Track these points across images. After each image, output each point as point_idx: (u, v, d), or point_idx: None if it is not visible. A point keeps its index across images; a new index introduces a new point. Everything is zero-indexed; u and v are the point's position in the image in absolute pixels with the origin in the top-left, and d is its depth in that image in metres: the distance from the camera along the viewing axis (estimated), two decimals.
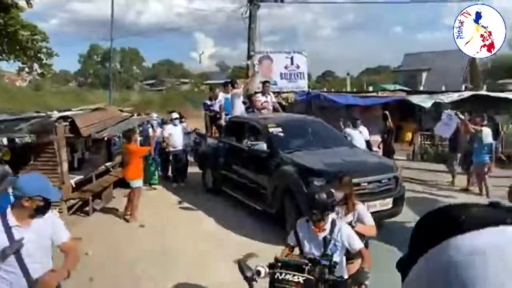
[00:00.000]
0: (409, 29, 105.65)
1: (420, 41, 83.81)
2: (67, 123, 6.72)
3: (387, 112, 10.18)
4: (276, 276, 2.76)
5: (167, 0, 68.95)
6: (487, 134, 7.86)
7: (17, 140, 5.81)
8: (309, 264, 2.79)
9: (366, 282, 2.96)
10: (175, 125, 9.30)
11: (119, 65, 47.92)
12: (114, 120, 7.85)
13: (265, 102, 9.21)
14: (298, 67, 11.40)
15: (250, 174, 7.14)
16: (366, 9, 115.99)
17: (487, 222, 0.52)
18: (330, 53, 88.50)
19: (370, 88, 22.38)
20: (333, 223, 3.18)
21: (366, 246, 3.55)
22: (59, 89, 34.81)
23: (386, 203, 6.08)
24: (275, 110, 9.44)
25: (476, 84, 33.18)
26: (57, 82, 42.81)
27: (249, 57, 11.32)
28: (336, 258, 3.03)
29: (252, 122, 7.72)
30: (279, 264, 2.84)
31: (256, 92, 10.15)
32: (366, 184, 5.97)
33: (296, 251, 3.26)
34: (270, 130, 7.13)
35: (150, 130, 9.34)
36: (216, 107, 9.61)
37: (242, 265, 2.88)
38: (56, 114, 6.73)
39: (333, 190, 3.36)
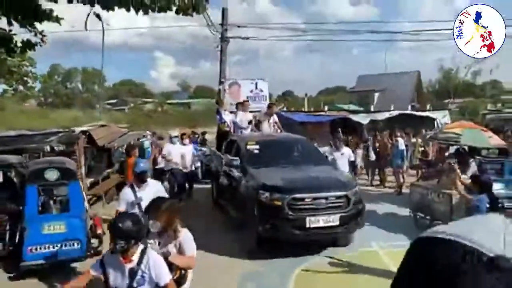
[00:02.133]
0: (365, 52, 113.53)
1: (374, 63, 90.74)
2: (85, 136, 9.06)
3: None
4: None
5: (128, 19, 70.97)
6: (401, 143, 10.99)
7: (55, 148, 8.09)
8: None
9: None
10: (173, 143, 9.93)
11: (80, 85, 49.13)
12: (117, 134, 10.22)
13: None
14: (261, 91, 14.21)
15: (230, 187, 8.05)
16: (324, 31, 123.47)
17: None
18: (289, 74, 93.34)
19: (326, 108, 25.64)
20: (143, 253, 3.05)
21: (183, 277, 3.48)
22: (21, 107, 35.77)
23: (332, 220, 6.39)
24: (278, 129, 10.05)
25: (422, 103, 37.44)
26: (15, 102, 43.41)
27: (221, 82, 14.02)
28: None
29: (238, 141, 8.65)
30: None
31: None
32: (309, 200, 6.40)
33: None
34: (248, 147, 7.96)
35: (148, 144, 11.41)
36: (227, 119, 10.52)
37: None
38: (78, 129, 9.04)
39: (150, 220, 3.31)
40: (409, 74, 38.68)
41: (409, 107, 30.06)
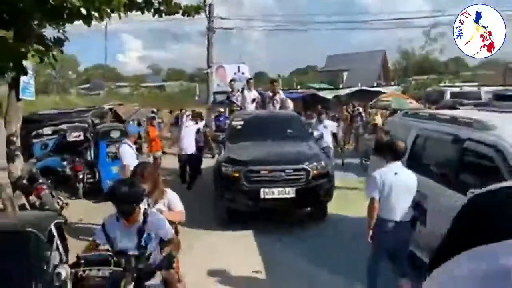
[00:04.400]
0: (335, 31, 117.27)
1: (344, 42, 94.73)
2: (111, 112, 12.02)
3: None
4: (79, 275, 2.90)
5: None
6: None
7: (95, 121, 11.03)
8: (115, 257, 3.05)
9: (174, 265, 3.40)
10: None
11: (55, 72, 50.35)
12: (132, 110, 13.20)
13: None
14: (243, 73, 17.32)
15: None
16: (294, 11, 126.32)
17: None
18: (261, 55, 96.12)
19: (299, 87, 28.97)
20: (145, 214, 3.35)
21: (176, 231, 3.92)
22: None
23: (287, 192, 6.80)
24: (282, 107, 10.32)
25: (388, 81, 41.22)
26: None
27: (209, 67, 17.05)
28: (150, 247, 3.29)
29: (230, 118, 9.81)
30: (82, 262, 2.98)
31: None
32: (265, 172, 6.87)
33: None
34: (233, 123, 8.74)
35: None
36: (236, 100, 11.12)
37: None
38: (106, 107, 11.97)
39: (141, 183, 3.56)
40: (375, 53, 41.89)
41: (375, 84, 33.83)
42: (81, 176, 8.56)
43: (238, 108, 10.66)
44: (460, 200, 3.61)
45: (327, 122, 10.32)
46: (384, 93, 18.60)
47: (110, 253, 3.10)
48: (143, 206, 3.44)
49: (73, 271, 2.85)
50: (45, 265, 3.15)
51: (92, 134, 9.27)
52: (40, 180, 7.06)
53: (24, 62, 5.77)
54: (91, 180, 8.71)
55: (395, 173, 4.16)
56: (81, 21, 5.95)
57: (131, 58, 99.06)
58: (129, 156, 6.54)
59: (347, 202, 7.92)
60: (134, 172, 4.05)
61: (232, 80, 12.36)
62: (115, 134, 8.62)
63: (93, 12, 6.02)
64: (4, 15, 6.16)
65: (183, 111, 13.19)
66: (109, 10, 6.19)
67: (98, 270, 2.90)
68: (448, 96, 15.87)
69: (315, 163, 7.07)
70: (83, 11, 5.85)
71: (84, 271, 2.88)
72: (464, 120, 4.37)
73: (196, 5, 11.84)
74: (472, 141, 4.05)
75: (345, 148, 14.11)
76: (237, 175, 6.97)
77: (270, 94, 10.47)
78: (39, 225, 3.39)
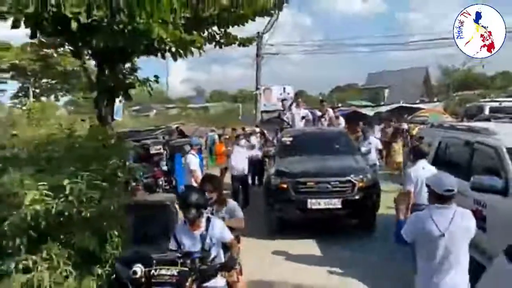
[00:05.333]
0: (375, 49, 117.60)
1: (384, 59, 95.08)
2: (177, 130, 13.97)
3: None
4: (152, 273, 3.22)
5: None
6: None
7: (165, 138, 12.96)
8: (182, 258, 3.37)
9: (236, 267, 3.84)
10: (240, 145, 10.62)
11: None
12: (192, 129, 15.13)
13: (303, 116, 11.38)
14: (288, 93, 19.05)
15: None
16: (332, 30, 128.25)
17: None
18: (302, 74, 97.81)
19: (340, 105, 30.16)
20: (208, 220, 3.75)
21: (238, 238, 4.44)
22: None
23: (333, 203, 7.22)
24: (331, 124, 11.18)
25: (432, 97, 41.40)
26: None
27: (257, 88, 18.89)
28: (213, 251, 3.69)
29: (280, 134, 10.49)
30: (154, 261, 3.32)
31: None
32: (312, 184, 7.35)
33: None
34: (282, 139, 9.39)
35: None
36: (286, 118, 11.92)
37: (117, 267, 3.34)
38: (173, 125, 13.95)
39: (206, 192, 4.17)
40: (417, 70, 42.28)
41: (418, 100, 34.42)
42: (160, 183, 10.38)
43: (288, 126, 11.46)
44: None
45: (372, 139, 10.81)
46: (423, 109, 19.60)
47: (177, 255, 3.42)
48: (205, 213, 3.79)
49: (146, 270, 3.19)
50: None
51: (167, 148, 11.14)
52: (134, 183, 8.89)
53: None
54: (167, 186, 10.50)
55: (423, 168, 5.50)
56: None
57: (175, 81, 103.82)
58: (194, 163, 8.33)
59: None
60: (203, 180, 4.67)
61: (284, 99, 13.81)
62: (187, 148, 10.41)
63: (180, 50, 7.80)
64: (114, 53, 8.09)
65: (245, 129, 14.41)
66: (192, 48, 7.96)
67: (168, 269, 3.22)
68: (487, 111, 16.60)
69: (360, 176, 7.47)
70: (173, 49, 7.63)
71: (155, 269, 3.21)
72: (475, 128, 5.72)
73: (251, 37, 13.82)
74: (479, 143, 5.40)
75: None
76: (285, 186, 7.51)
77: (319, 112, 11.38)
78: (171, 201, 5.09)
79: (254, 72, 18.32)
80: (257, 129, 12.62)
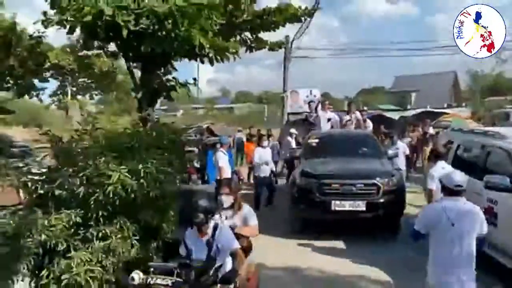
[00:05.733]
0: (402, 52, 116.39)
1: (412, 63, 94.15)
2: (207, 129, 14.76)
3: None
4: (148, 281, 3.27)
5: None
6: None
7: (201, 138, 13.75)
8: (179, 268, 3.35)
9: (237, 280, 3.68)
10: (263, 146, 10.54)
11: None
12: (222, 128, 15.90)
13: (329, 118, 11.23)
14: (314, 96, 19.57)
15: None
16: (359, 33, 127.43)
17: None
18: (326, 76, 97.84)
19: (365, 108, 30.26)
20: (215, 227, 3.73)
21: (250, 245, 4.36)
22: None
23: (357, 205, 7.26)
24: (358, 127, 11.06)
25: (459, 103, 40.96)
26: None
27: (284, 91, 19.49)
28: (219, 259, 3.64)
29: (307, 136, 10.17)
30: (152, 269, 3.36)
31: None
32: (337, 185, 7.37)
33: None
34: (309, 141, 9.36)
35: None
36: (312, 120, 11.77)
37: (117, 275, 3.50)
38: (204, 125, 14.76)
39: (222, 196, 4.31)
40: (445, 75, 41.95)
41: (445, 105, 34.21)
42: (193, 177, 11.13)
43: (314, 128, 11.25)
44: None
45: (399, 143, 10.96)
46: (448, 114, 19.73)
47: (173, 265, 3.42)
48: (213, 220, 3.79)
49: (144, 277, 3.27)
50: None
51: (200, 145, 11.92)
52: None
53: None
54: (200, 181, 11.27)
55: (442, 168, 6.03)
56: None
57: (201, 82, 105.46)
58: (222, 160, 9.06)
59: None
60: (220, 183, 5.06)
61: (310, 101, 13.61)
62: (218, 145, 11.17)
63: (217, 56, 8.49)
64: (157, 57, 8.87)
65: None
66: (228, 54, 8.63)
67: (163, 279, 3.26)
68: None
69: (386, 179, 7.48)
70: (211, 54, 8.33)
71: (152, 278, 3.27)
72: (489, 133, 6.22)
73: (280, 41, 14.39)
74: (492, 146, 5.90)
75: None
76: (310, 187, 7.57)
77: (347, 116, 11.35)
78: (210, 190, 5.82)
79: (277, 73, 18.96)
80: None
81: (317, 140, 9.20)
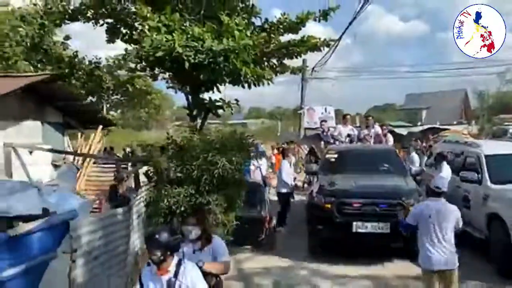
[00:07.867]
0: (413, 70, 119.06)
1: (423, 81, 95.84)
2: None
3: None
4: None
5: None
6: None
7: None
8: None
9: None
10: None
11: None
12: None
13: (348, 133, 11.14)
14: (329, 113, 21.93)
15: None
16: (371, 51, 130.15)
17: None
18: (338, 93, 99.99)
19: (377, 124, 32.29)
20: (179, 264, 3.32)
21: (220, 283, 3.92)
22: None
23: (381, 227, 6.78)
24: (377, 141, 10.73)
25: (469, 120, 42.68)
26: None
27: (301, 108, 21.89)
28: None
29: (324, 151, 10.35)
30: None
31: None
32: (358, 205, 6.95)
33: None
34: (326, 156, 9.16)
35: None
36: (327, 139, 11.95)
37: None
38: None
39: (188, 227, 3.88)
40: (455, 92, 43.63)
41: (455, 122, 36.04)
42: None
43: (332, 143, 11.21)
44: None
45: (413, 155, 12.65)
46: (448, 130, 21.93)
47: None
48: (176, 256, 3.41)
49: None
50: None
51: None
52: None
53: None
54: None
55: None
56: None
57: (215, 97, 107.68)
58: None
59: None
60: (188, 215, 4.35)
61: (323, 121, 14.23)
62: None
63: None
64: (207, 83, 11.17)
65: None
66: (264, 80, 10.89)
67: None
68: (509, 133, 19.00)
69: (412, 199, 6.98)
70: (249, 81, 10.59)
71: None
72: (468, 143, 8.50)
73: (301, 66, 16.91)
74: (468, 152, 8.19)
75: None
76: (329, 206, 7.16)
77: (366, 130, 11.21)
78: (259, 182, 8.09)
79: (288, 90, 20.96)
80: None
81: (335, 155, 8.93)
